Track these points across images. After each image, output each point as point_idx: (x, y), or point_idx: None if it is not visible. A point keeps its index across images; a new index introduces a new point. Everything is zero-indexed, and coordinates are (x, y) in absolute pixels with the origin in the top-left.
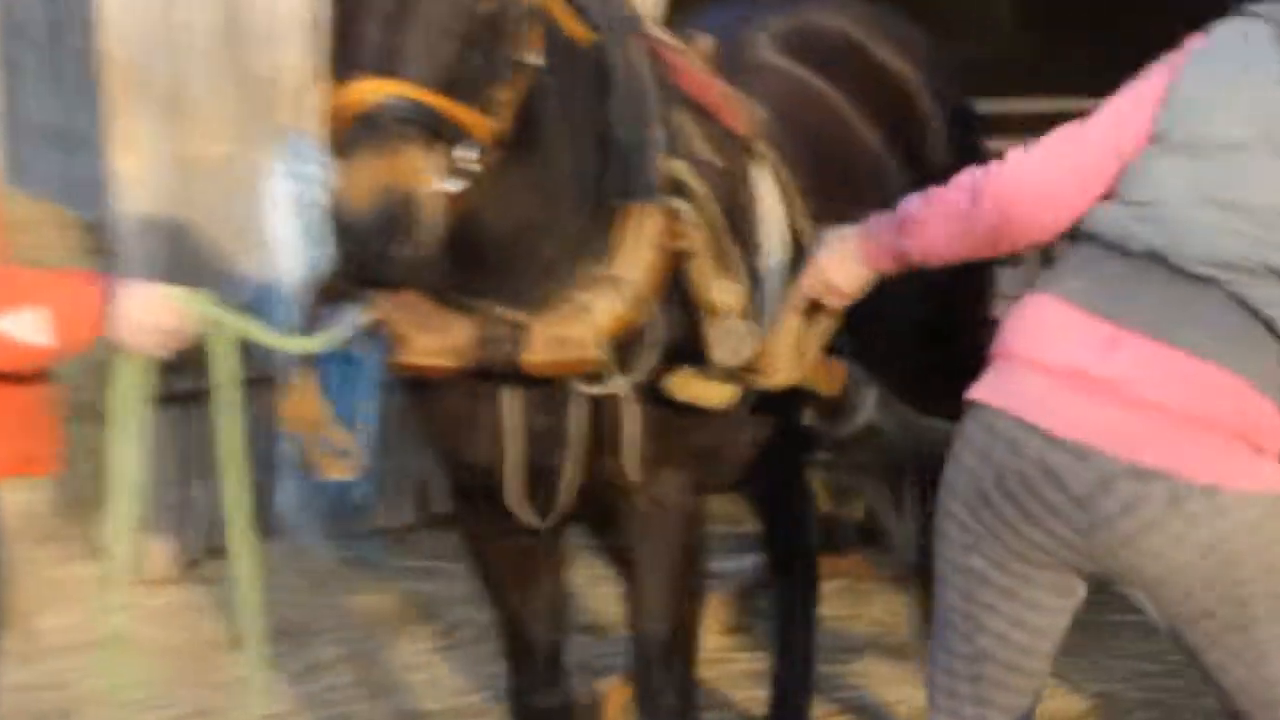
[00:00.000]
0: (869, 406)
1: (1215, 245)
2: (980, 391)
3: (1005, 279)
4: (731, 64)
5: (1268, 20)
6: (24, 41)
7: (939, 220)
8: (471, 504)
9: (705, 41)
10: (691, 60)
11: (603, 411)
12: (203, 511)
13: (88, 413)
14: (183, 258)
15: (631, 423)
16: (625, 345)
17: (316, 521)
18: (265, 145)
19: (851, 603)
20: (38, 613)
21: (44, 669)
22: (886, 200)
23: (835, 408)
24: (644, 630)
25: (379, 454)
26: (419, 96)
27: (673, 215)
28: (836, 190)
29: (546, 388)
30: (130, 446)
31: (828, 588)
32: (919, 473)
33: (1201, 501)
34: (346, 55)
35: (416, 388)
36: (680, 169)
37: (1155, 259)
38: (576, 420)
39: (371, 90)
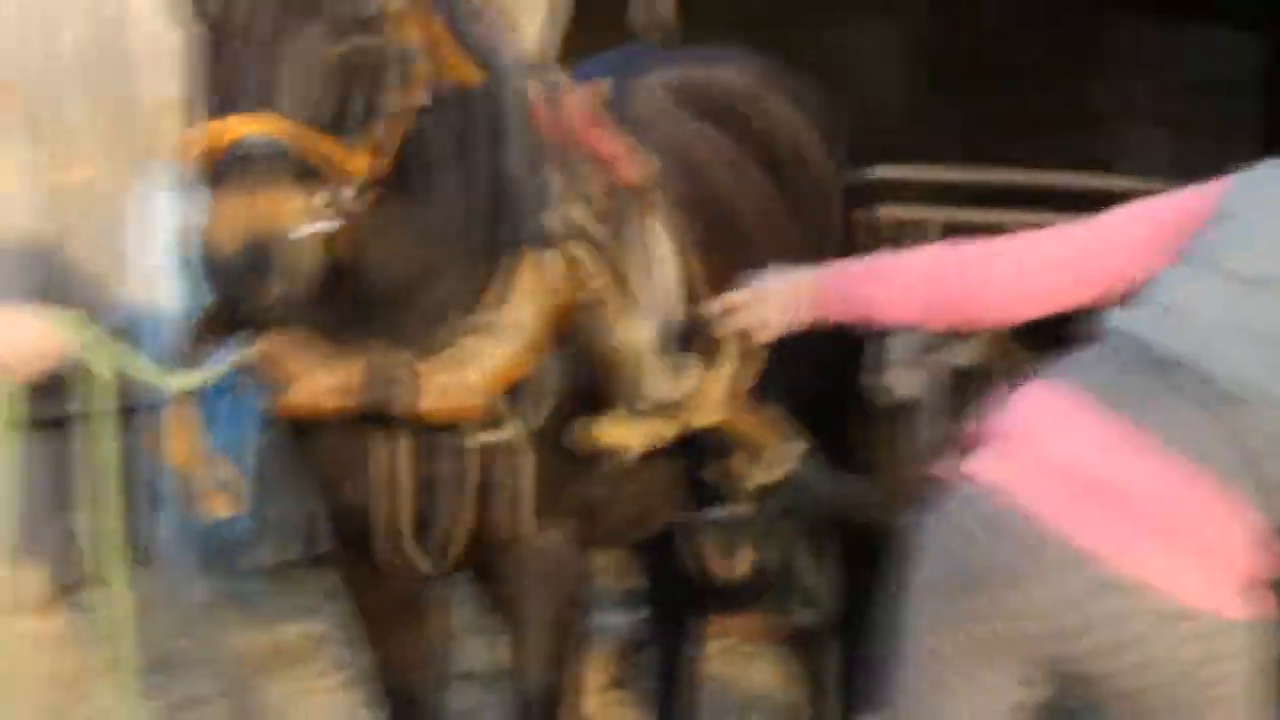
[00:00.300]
0: (794, 455)
1: (1243, 370)
2: (972, 470)
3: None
4: (624, 113)
5: None
6: None
7: (910, 280)
8: (351, 548)
9: (600, 87)
10: (586, 106)
11: (493, 460)
12: (78, 539)
13: None
14: (54, 281)
15: (523, 473)
16: (518, 393)
17: (196, 555)
18: (138, 171)
19: (738, 663)
20: None
21: None
22: (776, 251)
23: (758, 455)
24: (524, 682)
25: (263, 489)
26: (288, 134)
27: (572, 262)
28: (728, 241)
29: (434, 434)
30: None
31: (714, 647)
32: (838, 528)
33: (1193, 624)
34: (216, 87)
35: (298, 428)
36: (579, 214)
37: (1181, 367)
38: (467, 469)
39: (240, 126)
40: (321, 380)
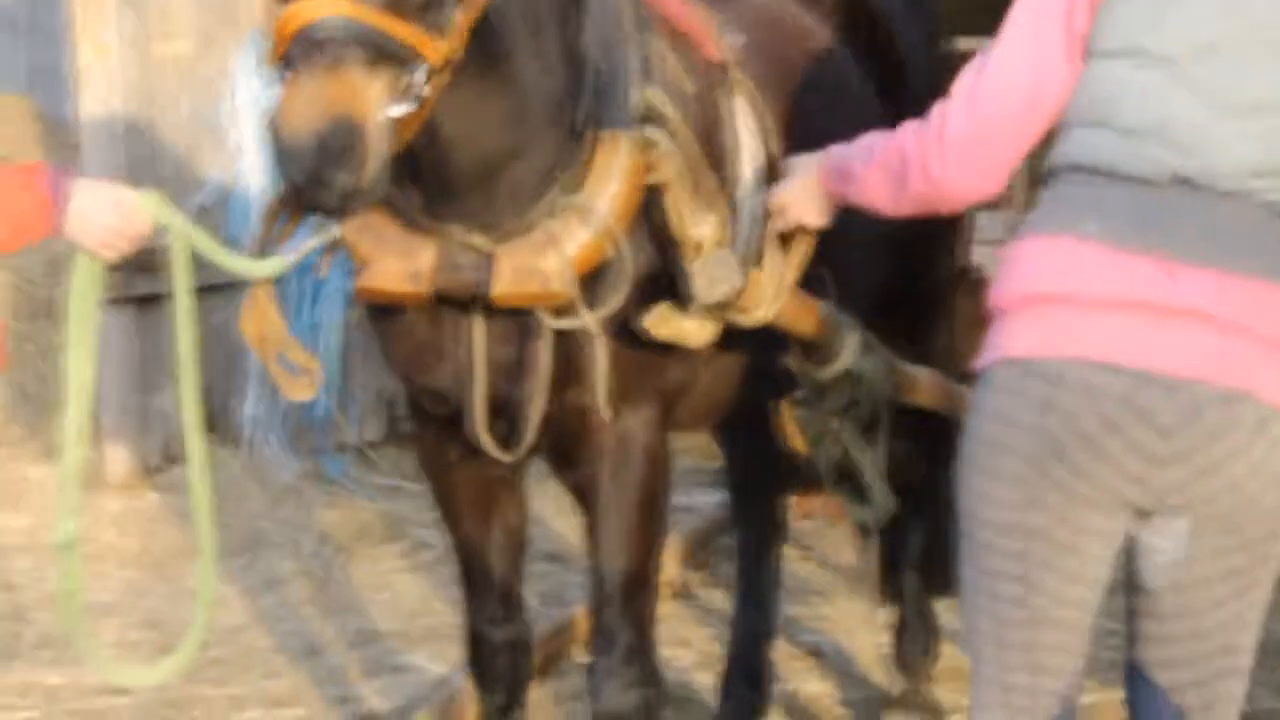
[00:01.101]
0: (851, 350)
1: (1240, 155)
2: (1023, 344)
3: (985, 222)
4: None
5: None
6: None
7: (876, 178)
8: (432, 430)
9: None
10: None
11: (570, 344)
12: (163, 418)
13: (42, 310)
14: (144, 156)
15: (600, 358)
16: (594, 278)
17: (281, 433)
18: (230, 46)
19: (820, 544)
20: None
21: None
22: (861, 129)
23: (815, 350)
24: (603, 567)
25: (345, 368)
26: (364, 16)
27: (647, 145)
28: (813, 121)
29: (513, 317)
30: (83, 350)
31: (797, 528)
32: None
33: None
34: None
35: (379, 310)
36: (656, 97)
37: (1177, 182)
38: (542, 353)
39: (316, 7)
40: (396, 264)
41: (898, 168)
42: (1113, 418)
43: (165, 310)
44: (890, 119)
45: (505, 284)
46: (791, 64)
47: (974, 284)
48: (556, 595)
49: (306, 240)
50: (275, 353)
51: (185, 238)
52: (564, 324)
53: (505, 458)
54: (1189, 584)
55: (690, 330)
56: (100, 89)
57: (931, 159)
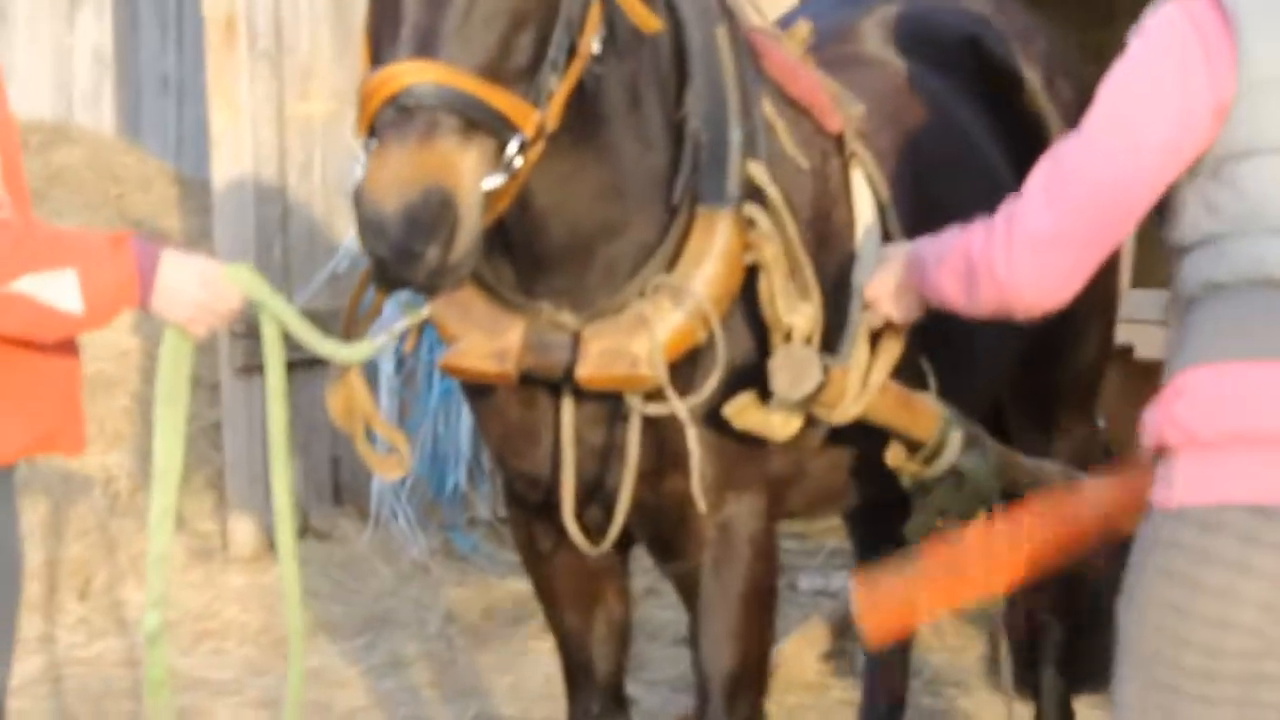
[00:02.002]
0: (955, 447)
1: None
2: (1253, 489)
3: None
4: (832, 53)
5: None
6: None
7: (947, 280)
8: (527, 515)
9: (802, 28)
10: (786, 48)
11: (666, 430)
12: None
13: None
14: (274, 220)
15: (694, 445)
16: (688, 363)
17: (410, 508)
18: None
19: (954, 634)
20: (119, 584)
21: (119, 644)
22: (992, 206)
23: (916, 447)
24: (706, 665)
25: (476, 441)
26: (459, 82)
27: (747, 224)
28: (939, 199)
29: (605, 401)
30: (170, 431)
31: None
32: None
33: None
34: (383, 32)
35: (472, 389)
36: (758, 172)
37: None
38: (631, 439)
39: (408, 73)
40: (481, 343)
41: (963, 269)
42: None
43: (293, 379)
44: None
45: (592, 366)
46: (918, 135)
47: (1134, 366)
48: (689, 680)
49: (396, 318)
50: (363, 430)
51: (276, 315)
52: (654, 410)
53: (592, 550)
54: None
55: (775, 424)
56: (232, 150)
57: (998, 260)
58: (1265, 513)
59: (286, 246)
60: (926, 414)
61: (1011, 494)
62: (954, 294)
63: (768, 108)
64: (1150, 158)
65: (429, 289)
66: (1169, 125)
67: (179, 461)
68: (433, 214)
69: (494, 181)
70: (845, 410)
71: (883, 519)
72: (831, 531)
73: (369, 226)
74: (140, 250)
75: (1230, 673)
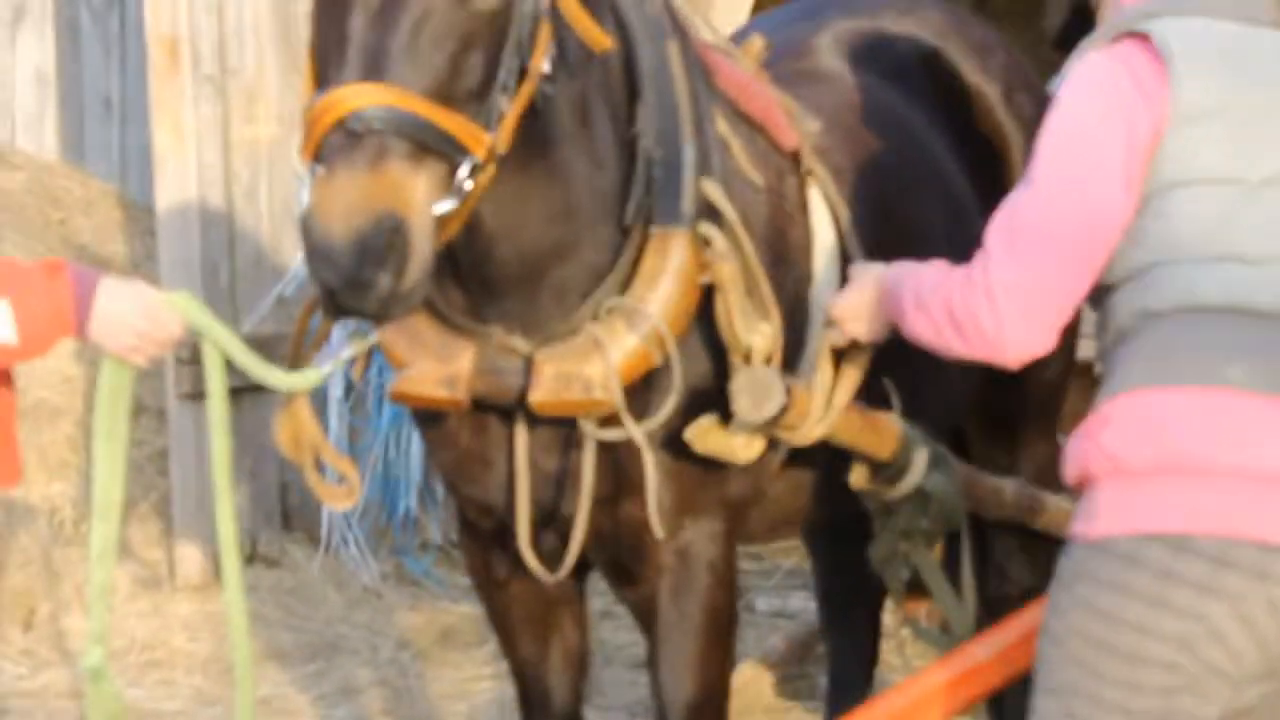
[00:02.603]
0: (920, 467)
1: None
2: (1174, 519)
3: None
4: (786, 69)
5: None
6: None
7: (924, 326)
8: (480, 543)
9: (756, 43)
10: (739, 64)
11: (622, 455)
12: (238, 515)
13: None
14: (221, 243)
15: (651, 470)
16: (644, 386)
17: (361, 532)
18: None
19: (919, 653)
20: (64, 614)
21: (64, 675)
22: (961, 226)
23: (880, 468)
24: (665, 694)
25: (428, 466)
26: (409, 104)
27: (701, 243)
28: (900, 214)
29: (559, 426)
30: (111, 463)
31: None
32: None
33: None
34: (329, 54)
35: (423, 415)
36: (712, 190)
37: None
38: (586, 465)
39: (355, 96)
40: (431, 369)
41: (946, 321)
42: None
43: (240, 403)
44: (987, 208)
45: (545, 391)
46: (875, 151)
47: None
48: (646, 704)
49: (344, 344)
50: (312, 460)
51: (218, 344)
52: (609, 435)
53: (549, 577)
54: None
55: (737, 447)
56: (177, 173)
57: (983, 316)
58: (1184, 544)
59: (233, 270)
60: (891, 434)
61: (975, 515)
62: (934, 340)
63: (721, 125)
64: (1104, 199)
65: (380, 317)
66: (1115, 163)
67: (119, 496)
68: (384, 241)
69: (445, 206)
70: (809, 432)
71: (843, 539)
72: (788, 551)
73: (318, 255)
74: (77, 278)
75: (1146, 708)
